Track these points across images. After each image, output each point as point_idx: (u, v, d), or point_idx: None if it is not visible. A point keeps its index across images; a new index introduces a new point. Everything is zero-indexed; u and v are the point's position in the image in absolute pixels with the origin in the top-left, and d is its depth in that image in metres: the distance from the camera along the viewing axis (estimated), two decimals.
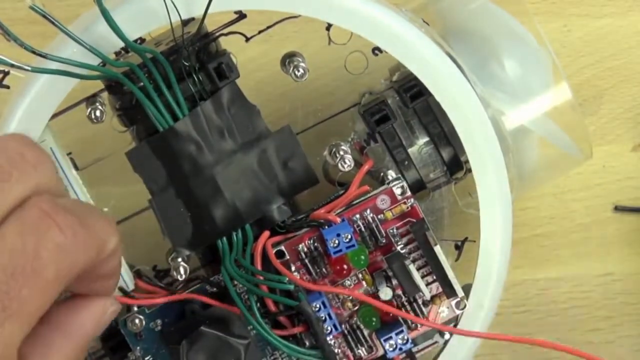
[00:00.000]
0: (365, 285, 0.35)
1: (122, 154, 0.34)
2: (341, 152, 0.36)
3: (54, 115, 0.33)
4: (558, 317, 0.45)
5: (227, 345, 0.34)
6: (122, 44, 0.32)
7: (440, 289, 0.35)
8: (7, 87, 0.36)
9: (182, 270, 0.35)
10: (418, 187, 0.36)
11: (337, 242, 0.34)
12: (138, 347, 0.35)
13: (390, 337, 0.34)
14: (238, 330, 0.34)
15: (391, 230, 0.35)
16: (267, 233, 0.34)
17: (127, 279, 0.35)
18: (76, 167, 0.35)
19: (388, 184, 0.35)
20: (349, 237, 0.34)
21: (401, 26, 0.34)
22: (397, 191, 0.35)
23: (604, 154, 0.45)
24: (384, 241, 0.35)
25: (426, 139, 0.36)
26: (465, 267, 0.38)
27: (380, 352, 0.35)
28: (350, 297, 0.35)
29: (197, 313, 0.35)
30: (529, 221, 0.45)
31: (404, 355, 0.35)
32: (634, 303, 0.45)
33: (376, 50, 0.39)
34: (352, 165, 0.36)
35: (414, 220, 0.35)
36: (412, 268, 0.34)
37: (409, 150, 0.36)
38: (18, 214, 0.25)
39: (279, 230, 0.35)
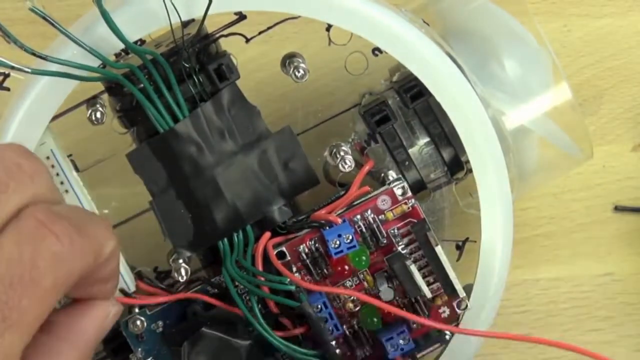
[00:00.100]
0: (366, 286, 0.35)
1: (122, 156, 0.34)
2: (342, 153, 0.36)
3: (55, 117, 0.33)
4: (558, 317, 0.45)
5: (228, 347, 0.34)
6: (122, 46, 0.32)
7: (442, 289, 0.35)
8: (8, 89, 0.36)
9: (183, 272, 0.35)
10: (419, 188, 0.36)
11: (338, 242, 0.34)
12: (139, 349, 0.35)
13: (392, 338, 0.34)
14: (239, 331, 0.34)
15: (392, 231, 0.35)
16: (268, 234, 0.34)
17: (128, 280, 0.35)
18: (77, 169, 0.35)
19: (389, 184, 0.35)
20: (350, 237, 0.34)
21: (401, 26, 0.34)
22: (398, 192, 0.35)
23: (604, 154, 0.45)
24: (385, 242, 0.35)
25: (427, 139, 0.36)
26: (466, 267, 0.38)
27: (382, 352, 0.35)
28: (352, 298, 0.35)
29: (198, 314, 0.35)
30: (529, 221, 0.45)
31: (405, 356, 0.35)
32: (634, 303, 0.45)
33: (376, 50, 0.39)
34: (353, 165, 0.36)
35: (415, 221, 0.35)
36: (413, 268, 0.34)
37: (410, 151, 0.36)
38: (14, 224, 0.25)
39: (280, 231, 0.35)
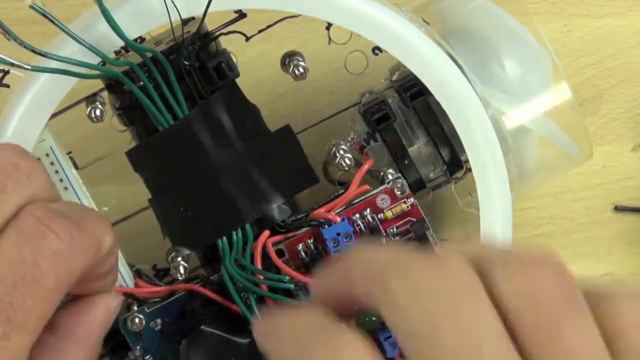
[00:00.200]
0: None
1: (122, 153, 0.34)
2: (341, 152, 0.36)
3: (54, 115, 0.33)
4: None
5: (227, 345, 0.34)
6: (122, 43, 0.32)
7: None
8: (7, 86, 0.36)
9: (182, 270, 0.35)
10: (418, 187, 0.36)
11: (337, 241, 0.34)
12: (138, 347, 0.35)
13: (390, 337, 0.34)
14: (239, 329, 0.34)
15: (391, 230, 0.35)
16: (267, 232, 0.34)
17: (126, 278, 0.34)
18: (76, 167, 0.35)
19: (388, 183, 0.35)
20: (349, 236, 0.34)
21: (401, 26, 0.34)
22: (397, 190, 0.35)
23: (604, 154, 0.45)
24: (384, 240, 0.35)
25: (426, 138, 0.36)
26: None
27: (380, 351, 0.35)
28: None
29: (197, 312, 0.35)
30: (529, 221, 0.45)
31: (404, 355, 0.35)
32: None
33: (376, 49, 0.39)
34: (352, 164, 0.36)
35: (414, 220, 0.35)
36: None
37: (409, 150, 0.36)
38: (14, 224, 0.25)
39: (279, 230, 0.35)
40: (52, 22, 0.31)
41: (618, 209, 0.45)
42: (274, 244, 0.34)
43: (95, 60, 0.32)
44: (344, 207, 0.35)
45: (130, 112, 0.34)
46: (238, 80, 0.35)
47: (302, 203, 0.36)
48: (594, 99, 0.45)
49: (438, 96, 0.35)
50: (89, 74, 0.32)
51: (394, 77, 0.38)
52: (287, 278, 0.33)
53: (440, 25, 0.37)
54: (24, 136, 0.32)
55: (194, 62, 0.34)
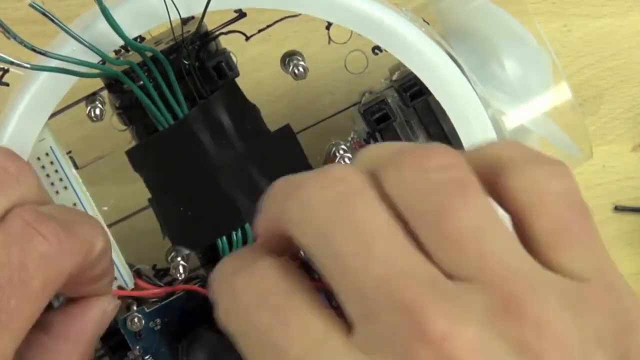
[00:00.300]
0: None
1: (122, 153, 0.34)
2: (341, 151, 0.36)
3: (54, 114, 0.33)
4: None
5: (226, 346, 0.33)
6: (122, 43, 0.32)
7: None
8: (7, 84, 0.36)
9: (181, 269, 0.34)
10: None
11: None
12: (137, 347, 0.35)
13: None
14: None
15: None
16: None
17: (126, 278, 0.34)
18: (76, 166, 0.35)
19: None
20: None
21: (401, 25, 0.34)
22: None
23: (604, 154, 0.45)
24: None
25: (426, 138, 0.36)
26: None
27: None
28: None
29: (197, 312, 0.35)
30: None
31: None
32: None
33: (376, 49, 0.39)
34: None
35: None
36: None
37: None
38: (1, 227, 0.26)
39: None
40: (52, 21, 0.30)
41: (618, 209, 0.45)
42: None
43: (95, 59, 0.32)
44: None
45: (130, 111, 0.34)
46: (238, 80, 0.35)
47: None
48: (594, 99, 0.45)
49: (438, 96, 0.35)
50: (89, 73, 0.32)
51: (394, 77, 0.38)
52: None
53: (440, 25, 0.37)
54: (23, 135, 0.32)
55: (194, 62, 0.34)
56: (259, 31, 0.39)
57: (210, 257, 0.36)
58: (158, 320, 0.35)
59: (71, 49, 0.32)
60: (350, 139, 0.37)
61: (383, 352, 0.21)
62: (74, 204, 0.33)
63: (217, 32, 0.35)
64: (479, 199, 0.23)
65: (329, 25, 0.37)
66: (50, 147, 0.33)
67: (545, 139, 0.38)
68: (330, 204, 0.23)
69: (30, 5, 0.30)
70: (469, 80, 0.35)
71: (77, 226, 0.27)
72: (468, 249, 0.22)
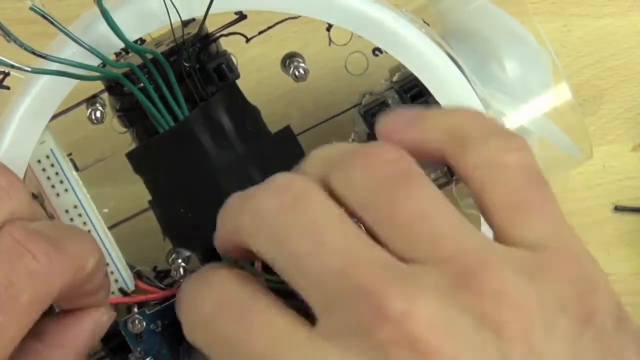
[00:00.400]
0: None
1: (122, 155, 0.34)
2: None
3: (54, 116, 0.33)
4: None
5: None
6: (122, 45, 0.32)
7: None
8: (8, 87, 0.36)
9: (182, 271, 0.34)
10: None
11: None
12: (138, 349, 0.35)
13: None
14: None
15: None
16: None
17: (127, 279, 0.34)
18: (76, 168, 0.35)
19: None
20: None
21: (401, 27, 0.34)
22: None
23: (604, 154, 0.45)
24: None
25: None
26: None
27: None
28: None
29: None
30: None
31: None
32: (634, 303, 0.45)
33: (376, 50, 0.39)
34: None
35: None
36: None
37: None
38: None
39: None
40: (52, 23, 0.30)
41: (618, 209, 0.45)
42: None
43: (95, 61, 0.32)
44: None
45: (131, 113, 0.34)
46: (238, 81, 0.35)
47: None
48: (594, 99, 0.45)
49: (438, 97, 0.35)
50: (89, 76, 0.32)
51: (394, 78, 0.38)
52: None
53: (440, 26, 0.37)
54: (24, 138, 0.32)
55: (195, 64, 0.34)
56: (260, 33, 0.39)
57: (211, 259, 0.36)
58: (159, 322, 0.35)
59: (71, 51, 0.32)
60: (350, 140, 0.37)
61: (346, 337, 0.22)
62: (75, 206, 0.33)
63: (218, 34, 0.35)
64: (425, 186, 0.24)
65: (329, 27, 0.37)
66: (51, 150, 0.33)
67: (545, 140, 0.38)
68: (279, 210, 0.24)
69: (31, 9, 0.30)
70: (469, 81, 0.35)
71: (68, 244, 0.27)
72: (419, 232, 0.23)
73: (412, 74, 0.35)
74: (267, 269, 0.27)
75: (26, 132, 0.32)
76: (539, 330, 0.22)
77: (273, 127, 0.35)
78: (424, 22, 0.37)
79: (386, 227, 0.23)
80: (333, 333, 0.22)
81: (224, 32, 0.36)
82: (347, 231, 0.23)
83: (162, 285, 0.35)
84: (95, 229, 0.34)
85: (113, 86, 0.34)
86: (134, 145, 0.35)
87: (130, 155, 0.34)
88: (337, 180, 0.25)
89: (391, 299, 0.21)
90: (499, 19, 0.38)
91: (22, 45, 0.30)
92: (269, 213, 0.24)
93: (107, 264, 0.34)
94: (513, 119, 0.36)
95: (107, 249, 0.34)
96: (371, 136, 0.36)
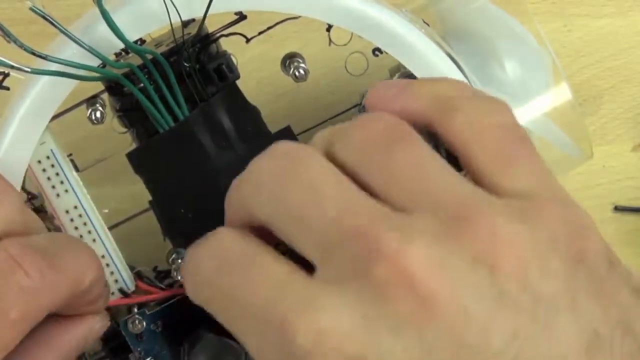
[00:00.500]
0: None
1: (122, 155, 0.34)
2: None
3: (55, 117, 0.33)
4: None
5: (228, 348, 0.33)
6: (122, 45, 0.32)
7: None
8: (7, 88, 0.36)
9: None
10: None
11: None
12: (139, 349, 0.35)
13: None
14: None
15: None
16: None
17: (127, 280, 0.34)
18: (76, 169, 0.35)
19: None
20: None
21: (402, 27, 0.34)
22: None
23: (604, 154, 0.45)
24: None
25: (426, 138, 0.36)
26: None
27: None
28: None
29: (198, 314, 0.34)
30: None
31: None
32: None
33: (376, 51, 0.39)
34: None
35: None
36: None
37: None
38: None
39: None
40: (52, 24, 0.30)
41: (618, 209, 0.45)
42: (275, 245, 0.34)
43: (95, 62, 0.32)
44: None
45: (131, 114, 0.34)
46: (238, 82, 0.35)
47: None
48: (594, 99, 0.45)
49: None
50: (89, 76, 0.32)
51: (395, 78, 0.38)
52: None
53: (440, 26, 0.37)
54: (24, 138, 0.32)
55: (195, 64, 0.34)
56: (260, 33, 0.39)
57: None
58: (159, 322, 0.35)
59: (71, 52, 0.32)
60: None
61: (343, 281, 0.22)
62: (75, 207, 0.33)
63: (218, 35, 0.35)
64: (420, 145, 0.25)
65: (329, 27, 0.37)
66: (51, 150, 0.33)
67: (545, 140, 0.38)
68: (278, 172, 0.25)
69: (31, 9, 0.30)
70: (469, 81, 0.35)
71: (64, 259, 0.28)
72: (414, 181, 0.24)
73: (412, 74, 0.35)
74: None
75: (26, 133, 0.32)
76: (533, 268, 0.22)
77: (273, 127, 0.35)
78: (424, 22, 0.37)
79: (381, 179, 0.24)
80: (331, 278, 0.23)
81: (224, 32, 0.36)
82: (345, 185, 0.24)
83: (162, 286, 0.35)
84: (95, 229, 0.34)
85: (113, 86, 0.34)
86: (134, 146, 0.35)
87: (130, 156, 0.34)
88: (338, 148, 0.25)
89: (386, 239, 0.22)
90: (499, 19, 0.38)
91: (22, 45, 0.30)
92: (269, 176, 0.25)
93: (107, 265, 0.34)
94: None
95: (107, 250, 0.34)
96: None
